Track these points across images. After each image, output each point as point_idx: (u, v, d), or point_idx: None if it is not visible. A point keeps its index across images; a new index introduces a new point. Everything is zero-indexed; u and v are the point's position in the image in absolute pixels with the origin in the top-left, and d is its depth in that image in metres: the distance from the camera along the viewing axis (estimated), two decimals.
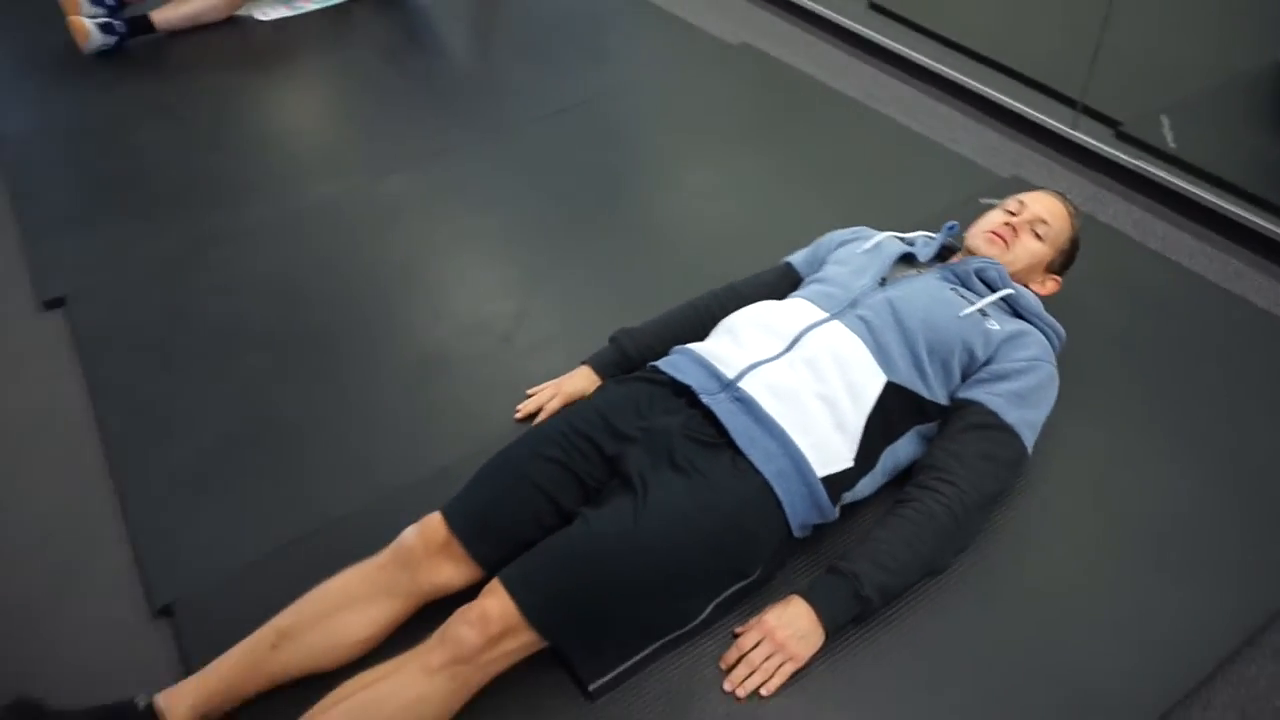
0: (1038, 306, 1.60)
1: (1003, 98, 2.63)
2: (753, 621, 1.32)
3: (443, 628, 1.22)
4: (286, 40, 3.20)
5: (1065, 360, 1.60)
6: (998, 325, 1.50)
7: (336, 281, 2.12)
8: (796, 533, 1.35)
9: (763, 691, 1.26)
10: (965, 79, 2.72)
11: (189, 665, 1.33)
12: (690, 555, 1.26)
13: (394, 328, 1.99)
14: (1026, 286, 1.64)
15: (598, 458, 1.37)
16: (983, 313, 1.51)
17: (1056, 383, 1.53)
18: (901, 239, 1.67)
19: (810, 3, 3.15)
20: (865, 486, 1.42)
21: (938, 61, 2.79)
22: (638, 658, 1.29)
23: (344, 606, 1.30)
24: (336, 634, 1.28)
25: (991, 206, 1.71)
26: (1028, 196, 1.70)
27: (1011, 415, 1.43)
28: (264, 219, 2.34)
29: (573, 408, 1.47)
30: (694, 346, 1.50)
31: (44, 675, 1.38)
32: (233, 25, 3.26)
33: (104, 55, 3.05)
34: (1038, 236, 1.64)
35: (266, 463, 1.69)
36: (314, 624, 1.28)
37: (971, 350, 1.47)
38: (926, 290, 1.52)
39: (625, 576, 1.23)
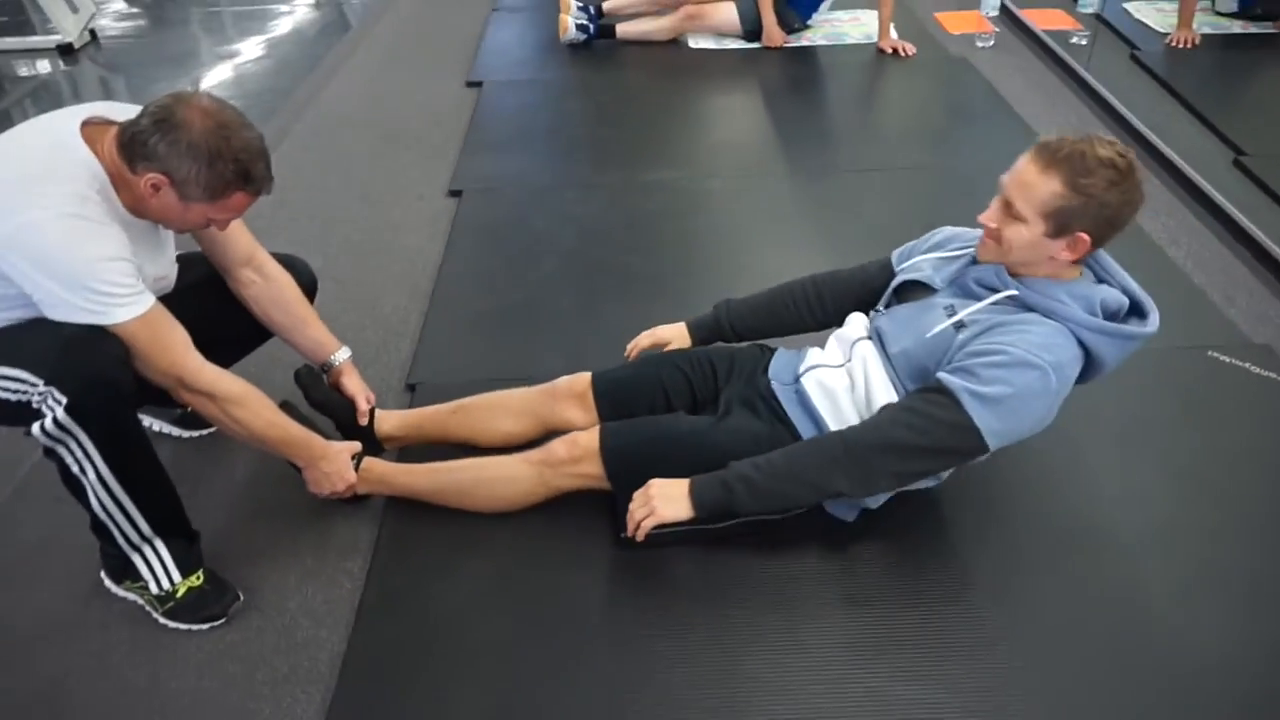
0: (1055, 295, 1.45)
1: None
2: (650, 484, 1.55)
3: (547, 444, 1.71)
4: (704, 64, 3.96)
5: None
6: (972, 332, 1.47)
7: (651, 238, 2.72)
8: None
9: (636, 536, 1.53)
10: None
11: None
12: None
13: (682, 283, 2.51)
14: (1045, 275, 1.49)
15: (712, 381, 1.78)
16: (960, 325, 1.49)
17: (1040, 368, 1.39)
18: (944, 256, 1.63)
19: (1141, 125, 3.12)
20: None
21: None
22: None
23: (502, 409, 1.86)
24: (490, 424, 1.85)
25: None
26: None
27: (954, 382, 1.42)
28: (619, 181, 3.05)
29: (715, 346, 1.85)
30: (808, 353, 1.73)
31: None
32: (670, 46, 4.10)
33: (573, 46, 4.05)
34: (1016, 218, 1.44)
35: (533, 327, 2.31)
36: (480, 411, 1.87)
37: (939, 364, 1.49)
38: (908, 316, 1.59)
39: (683, 460, 1.59)
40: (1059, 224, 1.41)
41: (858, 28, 4.21)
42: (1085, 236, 1.41)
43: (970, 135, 3.32)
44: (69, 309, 1.37)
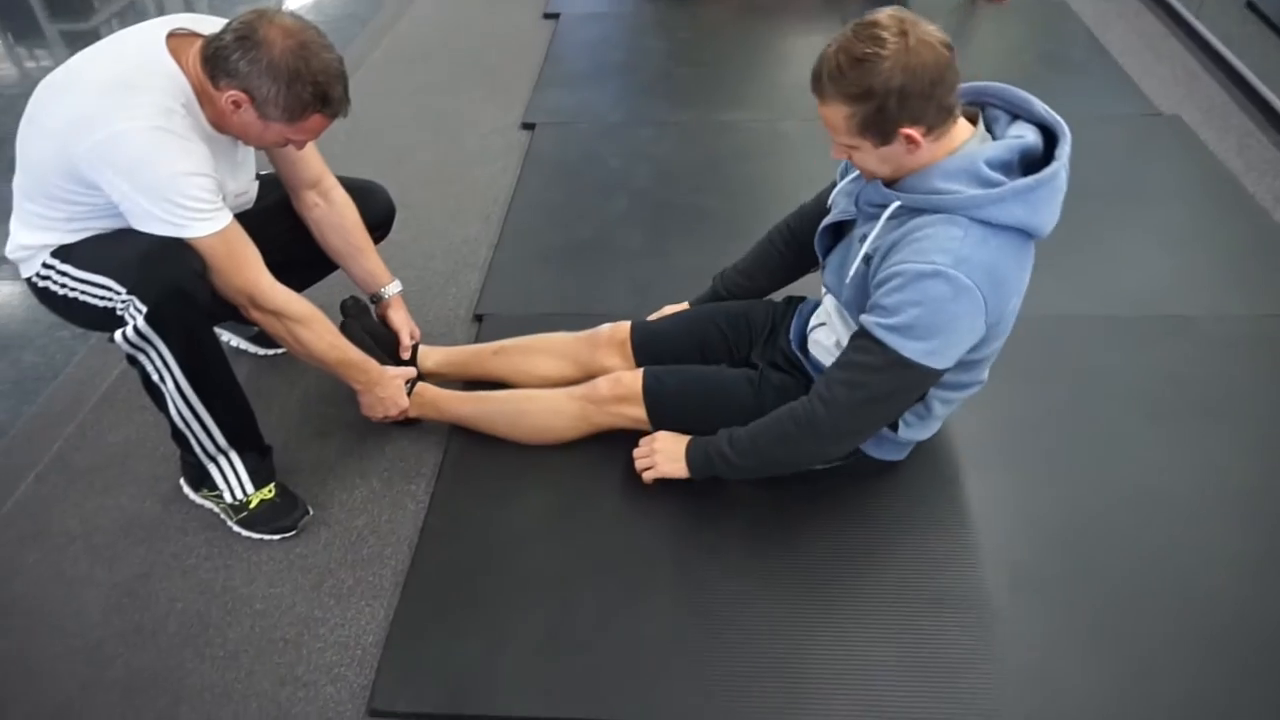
0: (932, 186, 1.31)
1: None
2: (653, 437, 1.66)
3: (592, 380, 1.73)
4: (786, 3, 3.83)
5: None
6: (876, 260, 1.37)
7: (723, 179, 2.67)
8: None
9: (643, 477, 1.65)
10: None
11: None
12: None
13: (752, 226, 2.47)
14: (924, 166, 1.33)
15: (747, 339, 1.76)
16: (868, 258, 1.39)
17: (939, 273, 1.27)
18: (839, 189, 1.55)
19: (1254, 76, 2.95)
20: None
21: None
22: None
23: (543, 352, 1.87)
24: (530, 366, 1.86)
25: None
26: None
27: (869, 322, 1.35)
28: (694, 120, 2.99)
29: (753, 303, 1.81)
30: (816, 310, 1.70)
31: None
32: None
33: None
34: (849, 148, 1.33)
35: (601, 263, 2.31)
36: (521, 353, 1.88)
37: (866, 303, 1.41)
38: (838, 263, 1.51)
39: (721, 411, 1.60)
40: (877, 133, 1.27)
41: None
42: (908, 130, 1.26)
43: (1065, 84, 3.16)
44: (151, 220, 1.41)
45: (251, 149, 1.63)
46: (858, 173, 1.46)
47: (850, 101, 1.25)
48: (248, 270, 1.51)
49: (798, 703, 1.37)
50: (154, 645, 1.50)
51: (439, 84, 3.31)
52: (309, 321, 1.60)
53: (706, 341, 1.76)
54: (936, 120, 1.27)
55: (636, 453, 1.67)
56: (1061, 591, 1.52)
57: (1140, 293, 2.17)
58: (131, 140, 1.36)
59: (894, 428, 1.58)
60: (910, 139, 1.27)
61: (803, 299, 1.79)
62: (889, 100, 1.23)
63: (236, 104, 1.39)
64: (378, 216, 1.90)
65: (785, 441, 1.48)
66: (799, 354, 1.68)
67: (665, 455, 1.62)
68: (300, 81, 1.37)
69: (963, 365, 1.44)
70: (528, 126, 2.98)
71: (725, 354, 1.76)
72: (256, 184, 1.70)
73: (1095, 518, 1.64)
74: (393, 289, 1.91)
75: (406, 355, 1.89)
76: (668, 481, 1.68)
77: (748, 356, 1.75)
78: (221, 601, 1.56)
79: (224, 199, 1.49)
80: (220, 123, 1.47)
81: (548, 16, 3.78)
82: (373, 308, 1.92)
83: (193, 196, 1.41)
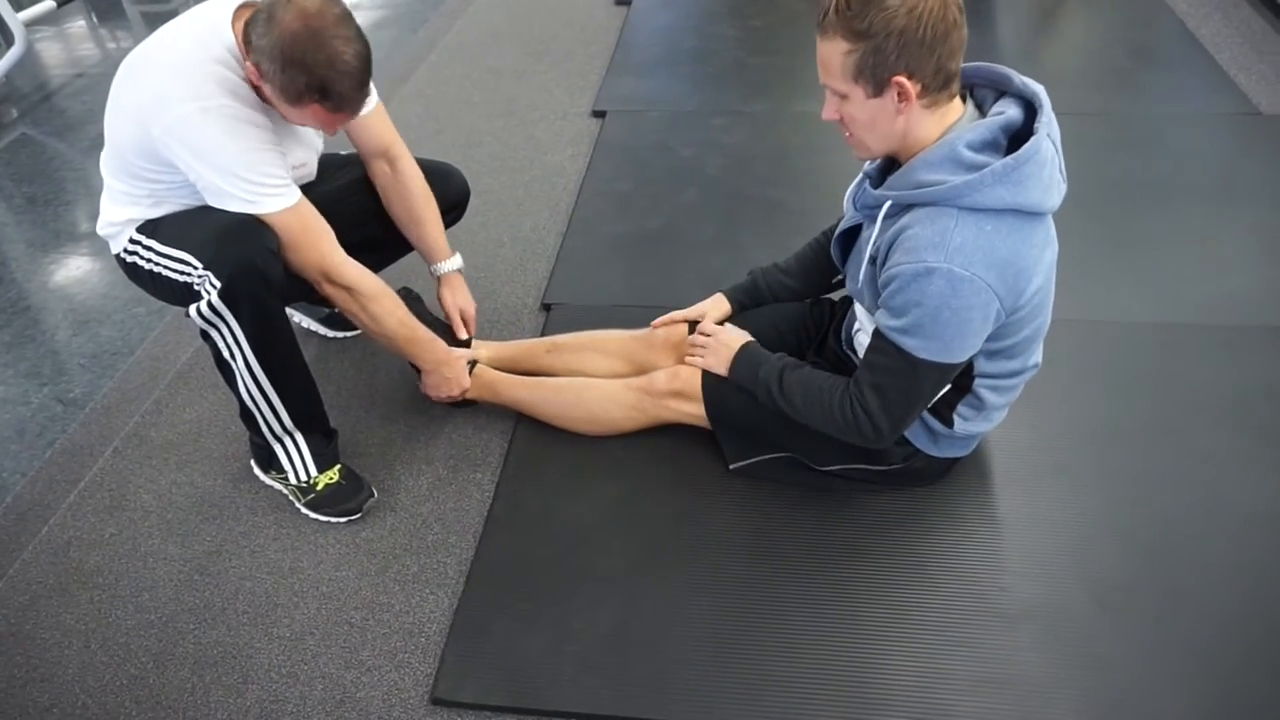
0: (917, 179, 1.27)
1: None
2: (716, 327, 1.65)
3: (650, 373, 1.71)
4: None
5: None
6: (879, 261, 1.35)
7: (795, 171, 2.62)
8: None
9: (686, 360, 1.67)
10: None
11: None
12: None
13: (825, 220, 2.42)
14: (914, 149, 1.30)
15: (806, 340, 1.73)
16: (873, 260, 1.37)
17: (934, 269, 1.23)
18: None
19: None
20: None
21: None
22: (771, 457, 1.63)
23: (597, 350, 1.84)
24: (584, 364, 1.84)
25: None
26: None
27: (880, 323, 1.34)
28: (767, 111, 2.94)
29: (814, 308, 1.76)
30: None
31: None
32: None
33: None
34: (840, 96, 1.28)
35: (670, 254, 2.27)
36: (575, 350, 1.85)
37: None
38: (853, 270, 1.47)
39: (778, 410, 1.53)
40: (872, 80, 1.23)
41: None
42: (902, 79, 1.21)
43: (1155, 80, 3.02)
44: (224, 196, 1.42)
45: None
46: (860, 175, 1.46)
47: (851, 37, 1.21)
48: (321, 244, 1.52)
49: (866, 716, 1.33)
50: (223, 623, 1.52)
51: (511, 69, 3.31)
52: (380, 297, 1.60)
53: (764, 344, 1.68)
54: (933, 82, 1.23)
55: (693, 337, 1.66)
56: (1153, 612, 1.45)
57: (1236, 301, 2.06)
58: (201, 120, 1.37)
59: (949, 424, 1.52)
60: (903, 91, 1.22)
61: (852, 300, 1.73)
62: (889, 42, 1.19)
63: (259, 76, 1.39)
64: (452, 199, 1.89)
65: (827, 421, 1.45)
66: (849, 353, 1.64)
67: (716, 350, 1.61)
68: (297, 68, 1.33)
69: (1002, 353, 1.40)
70: (598, 114, 2.95)
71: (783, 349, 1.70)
72: (314, 157, 1.69)
73: (1188, 536, 1.56)
74: (448, 265, 1.86)
75: (462, 335, 1.87)
76: (734, 479, 1.65)
77: (804, 357, 1.70)
78: (289, 583, 1.58)
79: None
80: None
81: (620, 3, 3.75)
82: (437, 280, 1.89)
83: (263, 173, 1.42)
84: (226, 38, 1.41)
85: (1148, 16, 3.44)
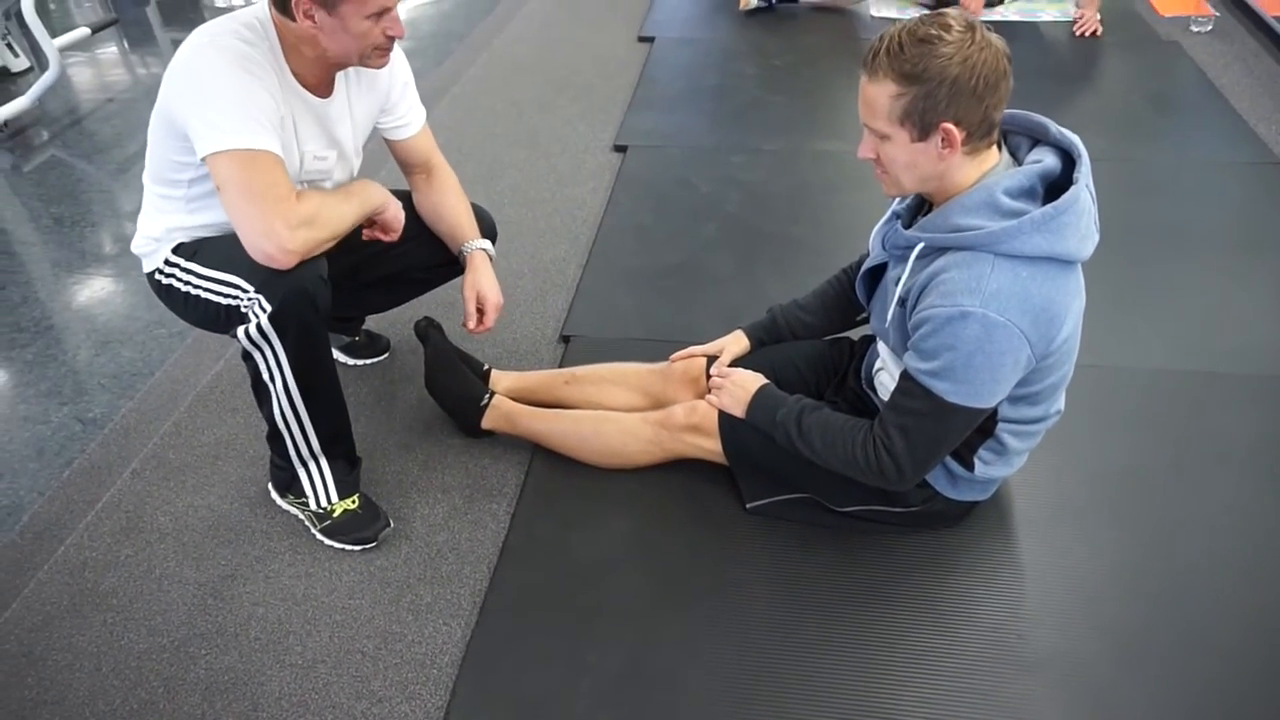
0: (952, 224, 1.28)
1: None
2: (730, 370, 1.64)
3: (668, 407, 1.71)
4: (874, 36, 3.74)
5: None
6: (910, 303, 1.35)
7: (815, 209, 2.64)
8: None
9: (706, 399, 1.65)
10: None
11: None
12: None
13: (844, 258, 2.43)
14: (949, 193, 1.31)
15: (826, 380, 1.72)
16: (902, 301, 1.37)
17: (969, 314, 1.23)
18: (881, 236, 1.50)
19: None
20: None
21: None
22: (788, 498, 1.63)
23: (616, 383, 1.84)
24: (602, 397, 1.84)
25: None
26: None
27: (910, 366, 1.33)
28: (787, 148, 2.97)
29: (833, 346, 1.75)
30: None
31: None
32: (851, 13, 3.92)
33: (752, 12, 3.94)
34: (882, 138, 1.28)
35: (690, 289, 2.28)
36: (594, 383, 1.85)
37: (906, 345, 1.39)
38: (879, 309, 1.48)
39: (795, 450, 1.53)
40: (917, 124, 1.23)
41: (1055, 4, 3.94)
42: (949, 126, 1.22)
43: (1175, 128, 3.04)
44: (210, 129, 1.36)
45: (346, 125, 1.60)
46: (888, 214, 1.46)
47: (901, 80, 1.22)
48: (283, 200, 1.40)
49: None
50: (235, 648, 1.51)
51: (533, 101, 3.35)
52: (318, 211, 1.46)
53: (783, 381, 1.68)
54: (978, 131, 1.24)
55: (714, 371, 1.66)
56: (1171, 662, 1.43)
57: (1257, 349, 2.05)
58: (210, 50, 1.40)
59: (970, 467, 1.51)
60: (948, 138, 1.23)
61: (873, 338, 1.73)
62: (940, 89, 1.20)
63: (309, 15, 1.38)
64: (481, 231, 1.88)
65: (848, 463, 1.44)
66: (869, 392, 1.63)
67: (733, 392, 1.59)
68: None
69: (1026, 399, 1.40)
70: (620, 149, 2.99)
71: (801, 393, 1.67)
72: (335, 154, 1.61)
73: (1208, 586, 1.54)
74: (474, 245, 1.77)
75: (472, 324, 1.75)
76: (750, 520, 1.64)
77: (822, 395, 1.70)
78: (302, 610, 1.57)
79: (300, 158, 1.51)
80: (312, 63, 1.47)
81: (642, 40, 3.80)
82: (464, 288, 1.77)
83: (258, 106, 1.39)
84: (261, 11, 1.45)
85: (1168, 65, 3.47)
